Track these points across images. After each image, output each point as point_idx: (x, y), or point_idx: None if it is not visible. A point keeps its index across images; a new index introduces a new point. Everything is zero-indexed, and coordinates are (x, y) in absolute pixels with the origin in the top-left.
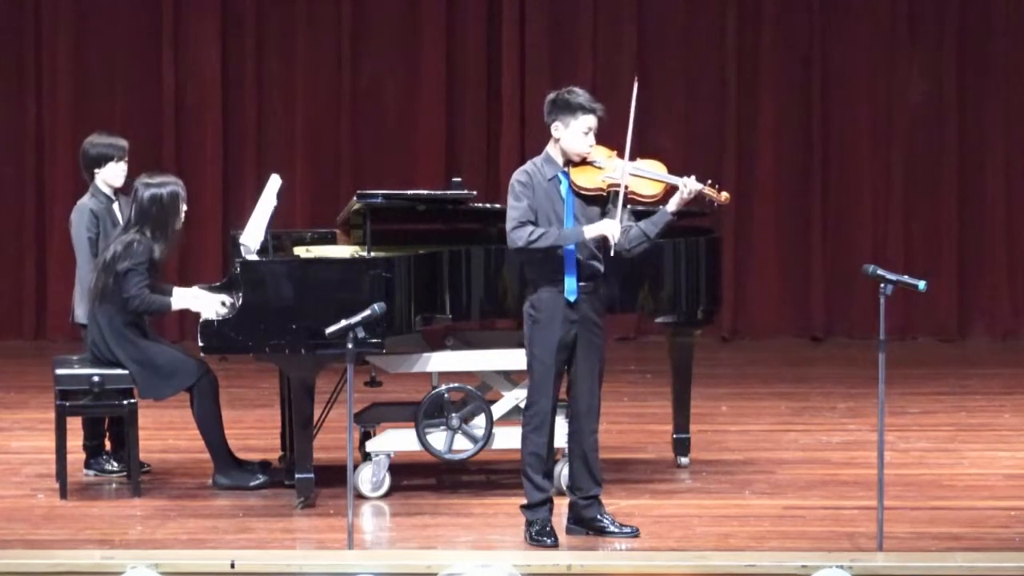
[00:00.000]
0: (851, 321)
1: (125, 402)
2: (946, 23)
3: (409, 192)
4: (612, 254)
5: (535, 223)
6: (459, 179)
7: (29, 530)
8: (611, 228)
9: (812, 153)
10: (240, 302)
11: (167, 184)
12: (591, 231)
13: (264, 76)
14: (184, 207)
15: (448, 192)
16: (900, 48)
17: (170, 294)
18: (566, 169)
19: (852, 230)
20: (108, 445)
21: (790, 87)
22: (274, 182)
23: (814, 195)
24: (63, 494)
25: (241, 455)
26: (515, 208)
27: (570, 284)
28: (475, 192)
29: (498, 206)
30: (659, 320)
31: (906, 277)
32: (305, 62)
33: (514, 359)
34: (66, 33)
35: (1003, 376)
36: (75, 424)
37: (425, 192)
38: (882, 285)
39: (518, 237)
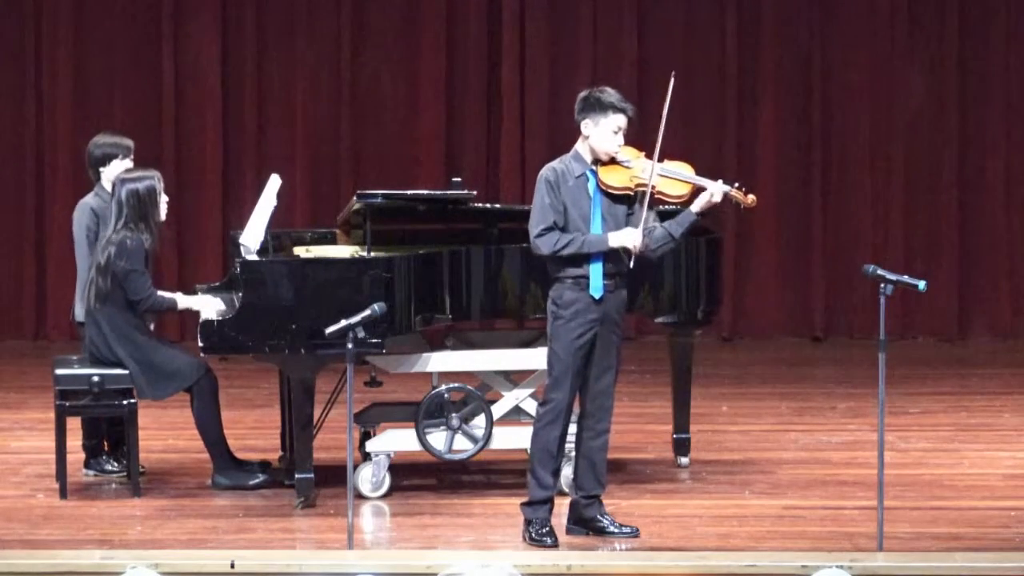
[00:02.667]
0: (851, 321)
1: (125, 402)
2: (946, 23)
3: (409, 192)
4: (632, 266)
5: (560, 226)
6: (459, 179)
7: (29, 530)
8: (633, 239)
9: (812, 153)
10: (240, 302)
11: (144, 178)
12: (615, 240)
13: (264, 76)
14: (164, 198)
15: (448, 192)
16: (900, 48)
17: None
18: (594, 167)
19: (852, 230)
20: (107, 445)
21: (790, 87)
22: (274, 182)
23: (814, 195)
24: (63, 494)
25: (241, 455)
26: (541, 210)
27: (596, 281)
28: (475, 192)
29: (498, 206)
30: (659, 320)
31: (906, 277)
32: (305, 62)
33: (514, 359)
34: (66, 33)
35: (1003, 376)
36: (75, 424)
37: (425, 192)
38: (882, 285)
39: (543, 244)
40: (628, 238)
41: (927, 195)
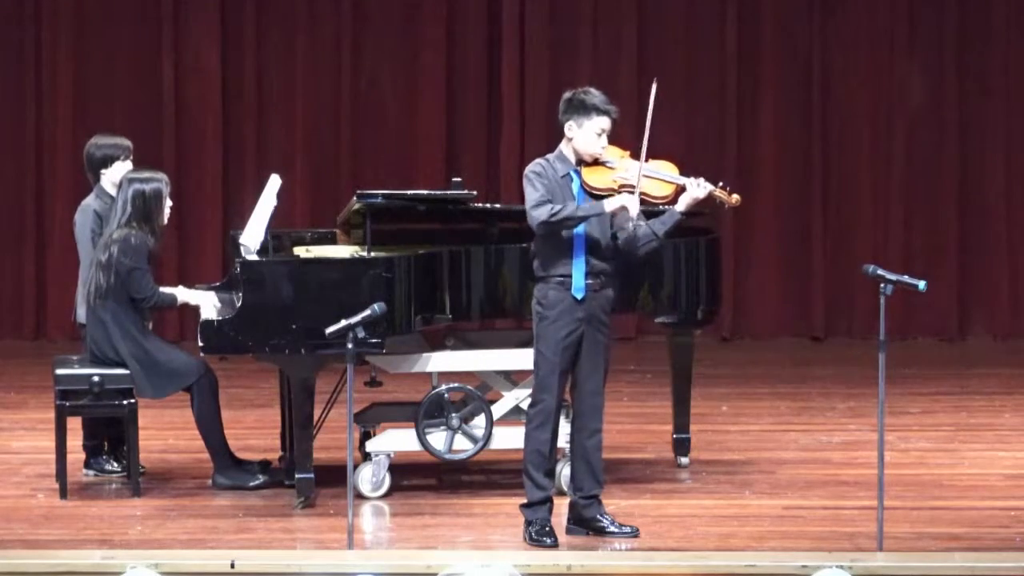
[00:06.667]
0: (851, 321)
1: (125, 402)
2: (946, 23)
3: (409, 192)
4: (632, 226)
5: (552, 203)
6: (459, 179)
7: (29, 530)
8: (631, 201)
9: (812, 153)
10: (240, 302)
11: (152, 180)
12: (611, 204)
13: (264, 76)
14: (169, 203)
15: (448, 192)
16: (900, 48)
17: None
18: (578, 168)
19: (852, 230)
20: (107, 445)
21: (790, 87)
22: (274, 182)
23: (814, 195)
24: (63, 494)
25: (241, 455)
26: (533, 192)
27: (578, 281)
28: (475, 192)
29: (498, 206)
30: (659, 320)
31: (906, 277)
32: (305, 62)
33: (514, 359)
34: (66, 34)
35: (1003, 376)
36: (75, 424)
37: (425, 192)
38: (882, 285)
39: (540, 214)
40: (627, 199)
41: (927, 195)
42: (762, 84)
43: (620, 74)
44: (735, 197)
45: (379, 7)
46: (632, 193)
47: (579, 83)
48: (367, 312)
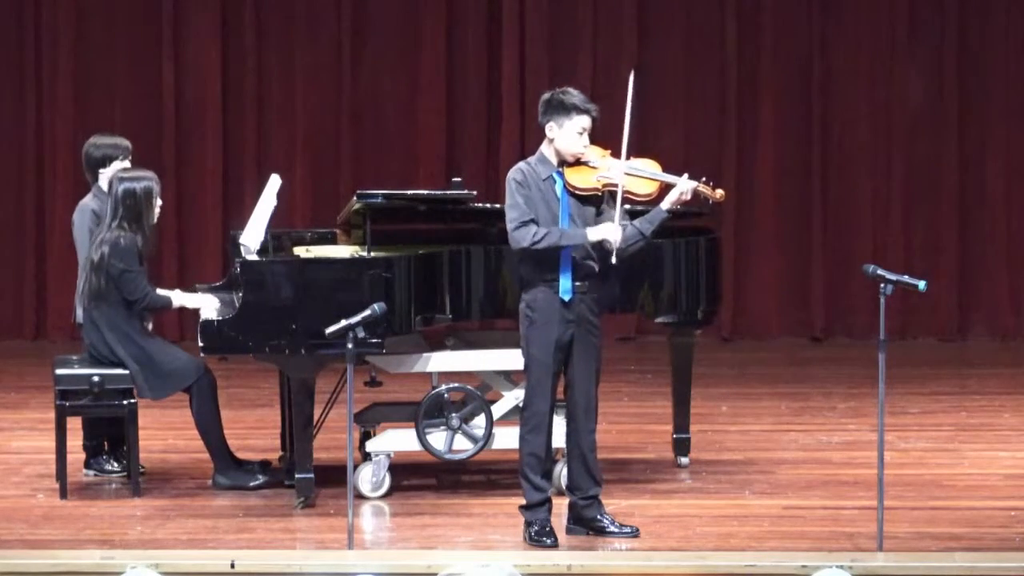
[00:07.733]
0: (851, 321)
1: (125, 402)
2: (946, 23)
3: (409, 192)
4: (614, 261)
5: (535, 221)
6: (459, 179)
7: (29, 530)
8: (613, 233)
9: (812, 153)
10: (240, 302)
11: (142, 179)
12: (594, 234)
13: (264, 76)
14: (159, 202)
15: (448, 192)
16: (900, 48)
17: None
18: (560, 169)
19: (852, 230)
20: (107, 445)
21: (790, 87)
22: (274, 182)
23: (814, 195)
24: (63, 494)
25: (241, 455)
26: (514, 207)
27: (565, 284)
28: (475, 192)
29: (498, 206)
30: (659, 320)
31: (906, 277)
32: (305, 62)
33: (514, 359)
34: (66, 34)
35: (1003, 376)
36: (75, 424)
37: (425, 192)
38: (882, 285)
39: (521, 237)
40: (607, 232)
41: (927, 195)
42: (762, 84)
43: (620, 74)
44: (719, 192)
45: (379, 7)
46: (615, 192)
47: (579, 83)
48: (367, 312)
